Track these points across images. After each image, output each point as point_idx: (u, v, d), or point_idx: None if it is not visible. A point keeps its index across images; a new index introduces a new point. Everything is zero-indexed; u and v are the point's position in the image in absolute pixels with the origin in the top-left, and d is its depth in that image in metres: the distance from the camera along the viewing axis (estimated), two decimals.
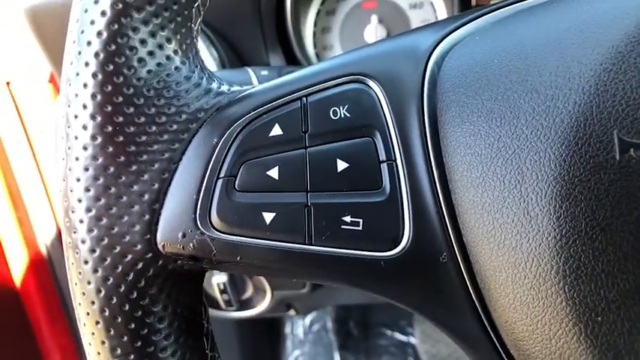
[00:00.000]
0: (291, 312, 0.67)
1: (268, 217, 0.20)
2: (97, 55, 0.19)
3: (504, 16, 0.22)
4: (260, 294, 0.53)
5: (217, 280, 0.50)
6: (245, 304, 0.54)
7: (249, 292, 0.53)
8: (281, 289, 0.52)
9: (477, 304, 0.20)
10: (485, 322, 0.20)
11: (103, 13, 0.19)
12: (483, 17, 0.22)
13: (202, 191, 0.20)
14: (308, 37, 0.57)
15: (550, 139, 0.18)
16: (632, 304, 0.16)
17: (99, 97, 0.19)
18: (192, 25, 0.22)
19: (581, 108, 0.17)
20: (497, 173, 0.18)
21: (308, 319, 1.12)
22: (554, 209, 0.17)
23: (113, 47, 0.19)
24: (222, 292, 0.51)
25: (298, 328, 1.13)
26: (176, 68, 0.21)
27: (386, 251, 0.20)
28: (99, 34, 0.19)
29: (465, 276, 0.19)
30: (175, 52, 0.21)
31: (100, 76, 0.19)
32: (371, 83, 0.21)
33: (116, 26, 0.19)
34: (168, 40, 0.21)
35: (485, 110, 0.19)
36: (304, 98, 0.21)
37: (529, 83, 0.18)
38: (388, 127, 0.20)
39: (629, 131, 0.16)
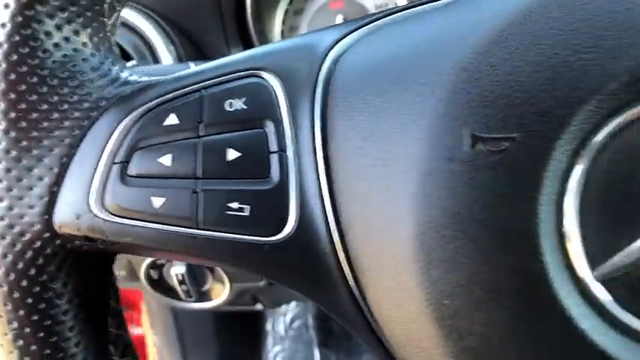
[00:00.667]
0: (258, 306, 0.68)
1: (158, 201, 0.21)
2: (0, 45, 0.21)
3: (400, 18, 0.23)
4: (219, 286, 0.54)
5: (175, 270, 0.52)
6: (205, 296, 0.55)
7: (209, 283, 0.55)
8: (239, 282, 0.53)
9: (355, 290, 0.21)
10: (362, 306, 0.21)
11: (7, 6, 0.21)
12: (385, 19, 0.23)
13: (97, 176, 0.21)
14: (276, 36, 0.59)
15: (413, 133, 0.19)
16: (474, 287, 0.17)
17: (2, 85, 0.21)
18: (106, 20, 0.23)
19: (441, 104, 0.18)
20: (370, 165, 0.19)
21: (289, 315, 1.13)
22: (413, 199, 0.18)
23: (17, 38, 0.21)
24: (181, 282, 0.52)
25: (279, 324, 1.14)
26: (84, 59, 0.22)
27: (270, 236, 0.21)
28: (2, 25, 0.21)
29: (343, 263, 0.20)
30: (84, 44, 0.22)
31: (3, 65, 0.21)
32: (270, 78, 0.22)
33: (20, 18, 0.21)
34: (76, 33, 0.22)
35: (365, 106, 0.20)
36: (203, 90, 0.22)
37: (403, 81, 0.19)
38: (282, 120, 0.21)
39: (479, 126, 0.17)
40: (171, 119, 0.22)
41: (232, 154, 0.21)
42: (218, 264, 0.23)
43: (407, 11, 0.22)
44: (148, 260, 0.52)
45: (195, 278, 0.53)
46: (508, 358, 0.17)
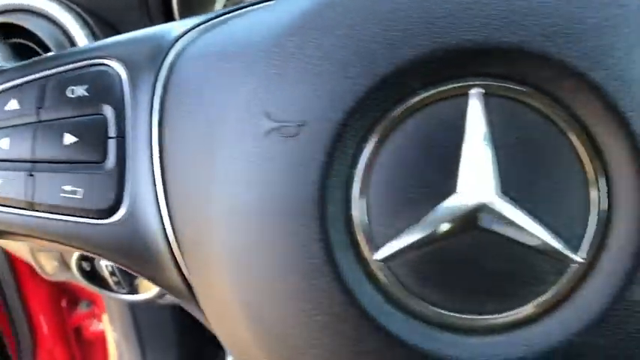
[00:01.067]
0: None
1: None
2: None
3: (237, 15, 0.23)
4: None
5: (106, 262, 0.52)
6: (137, 288, 0.56)
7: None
8: None
9: (184, 269, 0.21)
10: (191, 285, 0.21)
11: None
12: (229, 14, 0.24)
13: None
14: None
15: (227, 120, 0.19)
16: (265, 268, 0.18)
17: None
18: None
19: (246, 91, 0.19)
20: (195, 151, 0.20)
21: None
22: (222, 184, 0.19)
23: None
24: (112, 274, 0.53)
25: None
26: None
27: (103, 219, 0.21)
28: None
29: (173, 244, 0.21)
30: None
31: None
32: (116, 66, 0.23)
33: None
34: None
35: (194, 96, 0.21)
36: (48, 77, 0.23)
37: (223, 72, 0.20)
38: (123, 107, 0.22)
39: (275, 112, 0.18)
40: (13, 104, 0.22)
41: (69, 139, 0.22)
42: (55, 245, 0.23)
43: (245, 9, 0.23)
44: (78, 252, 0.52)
45: (126, 270, 0.53)
46: (296, 335, 0.18)
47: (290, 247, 0.18)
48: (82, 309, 1.01)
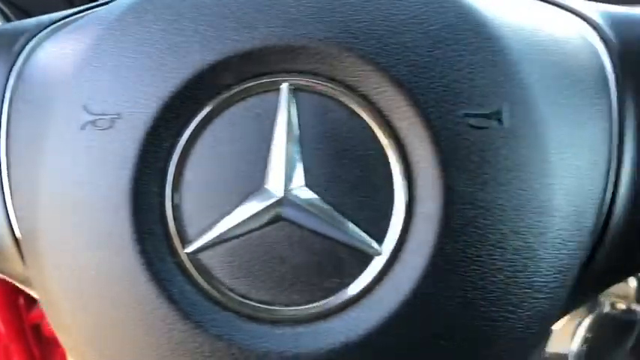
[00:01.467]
0: None
1: None
2: None
3: (96, 10, 0.23)
4: None
5: None
6: None
7: None
8: None
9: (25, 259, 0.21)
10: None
11: None
12: (91, 10, 0.24)
13: None
14: None
15: (56, 114, 0.19)
16: (89, 264, 0.18)
17: None
18: None
19: (68, 83, 0.19)
20: (33, 143, 0.20)
21: None
22: (46, 181, 0.19)
23: None
24: None
25: None
26: None
27: None
28: None
29: (17, 237, 0.21)
30: None
31: None
32: None
33: None
34: None
35: (38, 90, 0.21)
36: None
37: (60, 68, 0.20)
38: None
39: (90, 103, 0.18)
40: None
41: None
42: None
43: (100, 7, 0.23)
44: None
45: None
46: (108, 325, 0.18)
47: (105, 241, 0.18)
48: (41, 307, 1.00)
